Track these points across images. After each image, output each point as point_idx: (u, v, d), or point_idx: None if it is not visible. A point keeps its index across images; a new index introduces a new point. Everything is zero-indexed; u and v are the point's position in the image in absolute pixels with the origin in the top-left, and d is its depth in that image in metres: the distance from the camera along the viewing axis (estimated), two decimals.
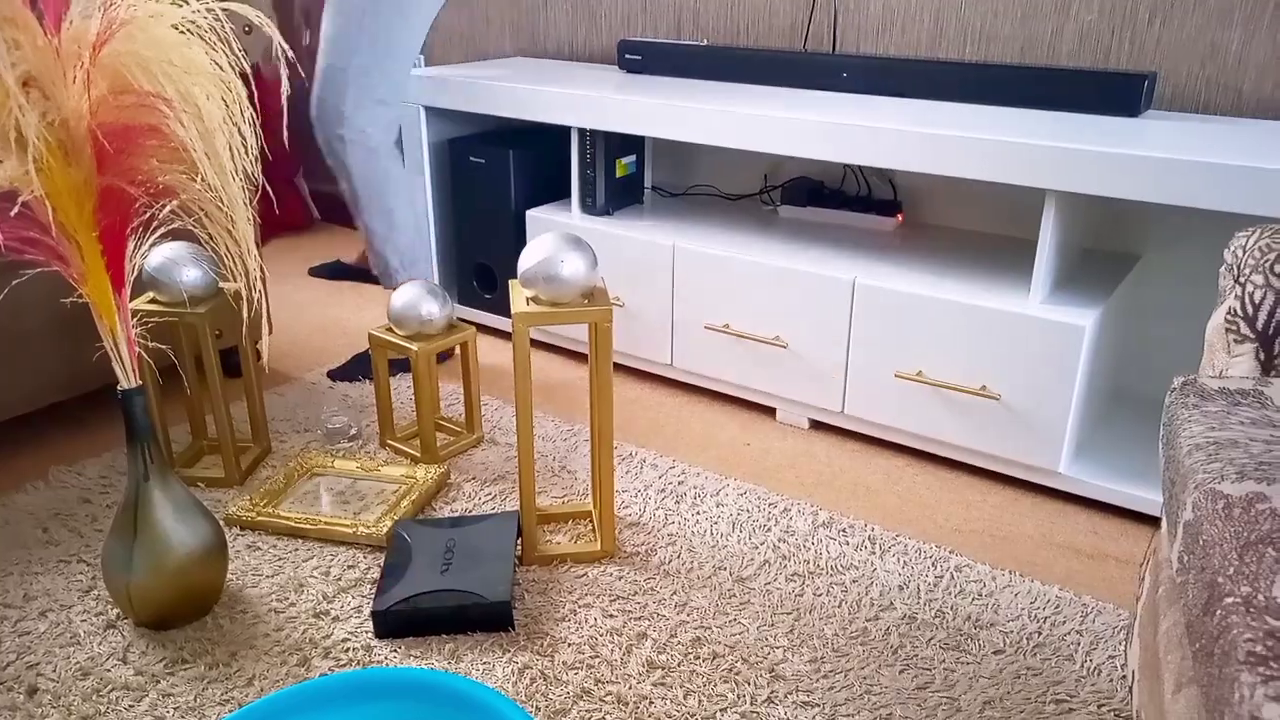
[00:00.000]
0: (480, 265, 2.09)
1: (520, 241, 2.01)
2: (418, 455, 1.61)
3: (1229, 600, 0.56)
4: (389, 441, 1.65)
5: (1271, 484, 0.64)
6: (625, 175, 1.98)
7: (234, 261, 1.07)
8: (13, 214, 1.00)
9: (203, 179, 1.02)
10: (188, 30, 1.01)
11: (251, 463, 1.58)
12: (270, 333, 2.08)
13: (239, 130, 1.03)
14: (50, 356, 1.59)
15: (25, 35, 0.92)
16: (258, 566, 1.34)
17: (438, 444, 1.62)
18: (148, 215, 1.07)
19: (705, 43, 2.02)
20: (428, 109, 2.03)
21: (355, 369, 1.88)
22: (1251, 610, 0.54)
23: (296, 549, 1.38)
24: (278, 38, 1.05)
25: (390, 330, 1.60)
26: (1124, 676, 1.13)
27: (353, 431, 1.68)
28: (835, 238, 1.82)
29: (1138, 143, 1.37)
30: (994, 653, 1.19)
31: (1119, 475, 1.49)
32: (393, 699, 0.97)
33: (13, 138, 0.91)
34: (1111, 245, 1.72)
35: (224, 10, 1.05)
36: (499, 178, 1.99)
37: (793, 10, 1.98)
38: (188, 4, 1.01)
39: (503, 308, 2.09)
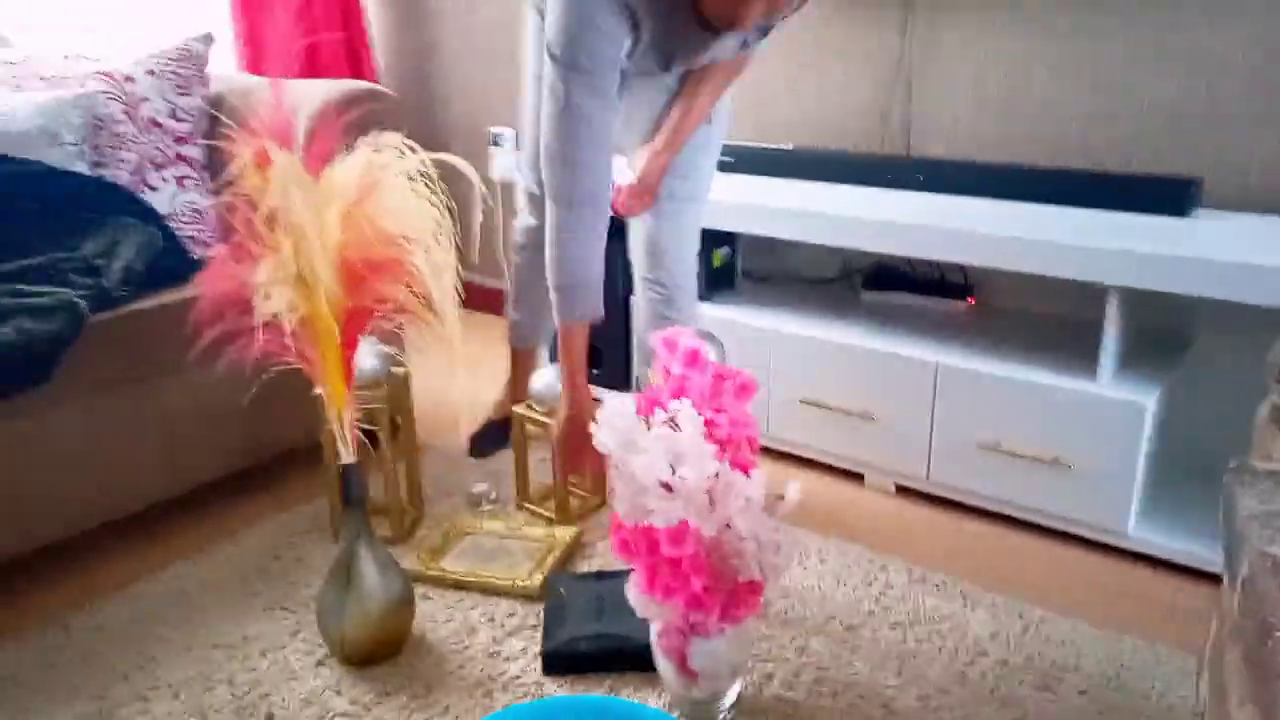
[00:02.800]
0: (591, 346, 2.32)
1: (626, 324, 2.25)
2: (552, 516, 1.83)
3: (1277, 634, 0.76)
4: (524, 504, 1.88)
5: None
6: (721, 264, 2.22)
7: (441, 353, 1.31)
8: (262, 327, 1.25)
9: (423, 296, 1.27)
10: (412, 178, 1.27)
11: (411, 524, 1.81)
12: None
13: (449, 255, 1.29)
14: (232, 433, 1.85)
15: (299, 189, 1.18)
16: (433, 614, 1.56)
17: (570, 506, 1.84)
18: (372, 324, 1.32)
19: (791, 146, 2.27)
20: None
21: (487, 442, 2.11)
22: None
23: (462, 599, 1.60)
24: (479, 184, 1.30)
25: (530, 407, 1.83)
26: (1198, 714, 1.31)
27: (493, 495, 1.91)
28: (912, 320, 2.04)
29: (1184, 243, 1.58)
30: (1079, 693, 1.37)
31: (1179, 536, 1.67)
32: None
33: (294, 274, 1.17)
34: (1171, 327, 1.91)
35: (434, 159, 1.30)
36: (607, 267, 2.23)
37: (869, 117, 2.23)
38: (415, 153, 1.26)
39: (609, 381, 2.33)
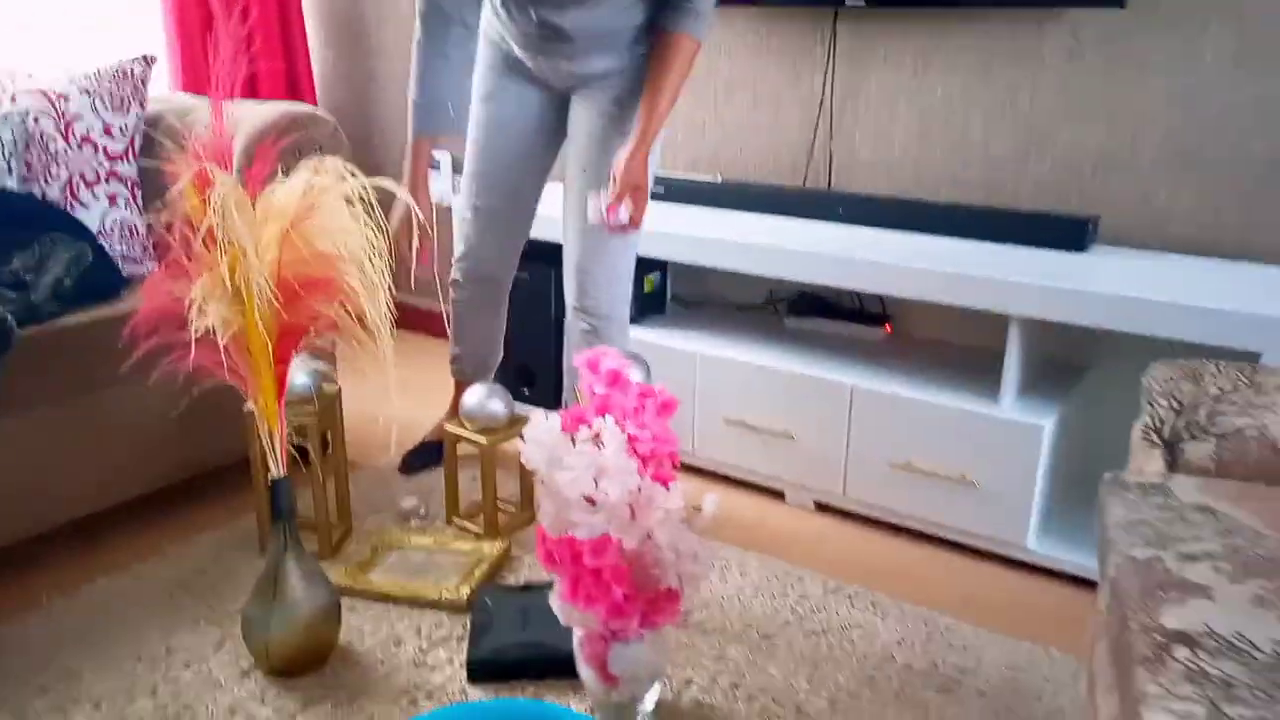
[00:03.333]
0: (521, 365, 2.38)
1: (557, 345, 2.30)
2: (480, 531, 1.87)
3: (1133, 625, 0.84)
4: (454, 519, 1.92)
5: (1165, 550, 0.93)
6: (652, 290, 2.30)
7: (373, 373, 1.35)
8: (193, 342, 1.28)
9: (355, 314, 1.31)
10: (350, 201, 1.31)
11: (339, 539, 1.83)
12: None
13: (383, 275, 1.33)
14: (162, 448, 1.86)
15: (242, 212, 1.22)
16: (360, 626, 1.59)
17: (499, 521, 1.88)
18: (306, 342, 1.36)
19: (719, 178, 2.36)
20: None
21: (418, 460, 2.14)
22: (1146, 630, 0.83)
23: (389, 611, 1.63)
24: (413, 204, 1.35)
25: (462, 424, 1.88)
26: (1083, 710, 1.40)
27: (422, 510, 1.94)
28: (833, 345, 2.13)
29: (1080, 278, 1.70)
30: (977, 694, 1.45)
31: (1074, 550, 1.77)
32: None
33: (231, 291, 1.20)
34: (1068, 355, 2.04)
35: (371, 184, 1.35)
36: (541, 290, 2.29)
37: (794, 152, 2.33)
38: (354, 177, 1.31)
39: (540, 401, 2.37)
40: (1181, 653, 0.79)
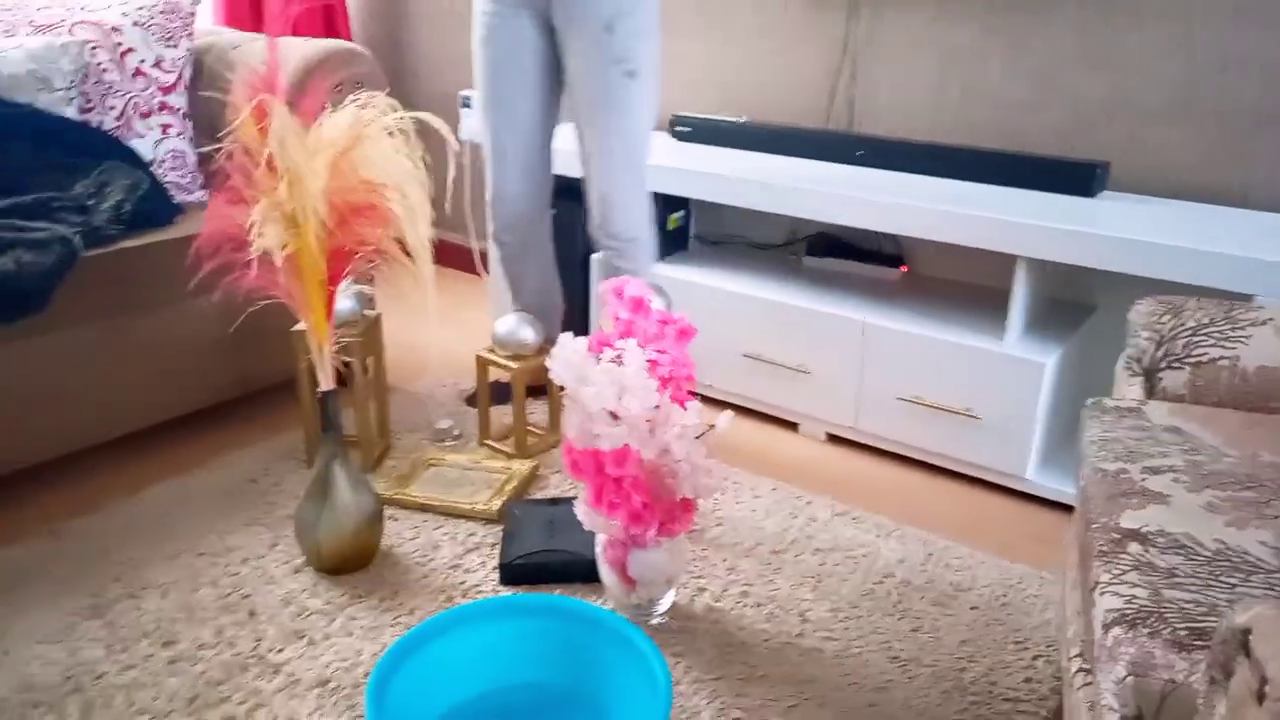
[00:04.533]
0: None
1: (585, 280, 2.40)
2: (511, 452, 2.00)
3: (1094, 525, 0.94)
4: (485, 441, 2.04)
5: (1133, 463, 1.03)
6: (675, 227, 2.38)
7: (418, 295, 1.46)
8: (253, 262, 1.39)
9: (399, 241, 1.42)
10: (392, 133, 1.41)
11: (380, 455, 1.96)
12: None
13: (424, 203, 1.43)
14: (214, 367, 1.99)
15: (293, 138, 1.32)
16: (400, 533, 1.72)
17: (528, 443, 2.00)
18: (353, 265, 1.46)
19: (744, 119, 2.43)
20: None
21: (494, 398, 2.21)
22: (1105, 530, 0.93)
23: (427, 521, 1.76)
24: (453, 140, 1.45)
25: (493, 352, 1.99)
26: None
27: (456, 432, 2.07)
28: (849, 284, 2.22)
29: (1087, 221, 1.77)
30: (970, 609, 1.57)
31: (1073, 481, 1.87)
32: (534, 617, 1.35)
33: (287, 214, 1.31)
34: (1075, 296, 2.11)
35: (413, 117, 1.44)
36: (569, 226, 2.38)
37: (817, 95, 2.39)
38: (396, 112, 1.41)
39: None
40: (1134, 548, 0.89)
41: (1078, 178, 1.97)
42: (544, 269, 2.18)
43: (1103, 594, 0.84)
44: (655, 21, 1.88)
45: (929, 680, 1.40)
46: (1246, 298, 1.61)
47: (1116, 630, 0.80)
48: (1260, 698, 0.57)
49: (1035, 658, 1.45)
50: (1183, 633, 0.78)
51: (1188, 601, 0.82)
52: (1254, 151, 1.89)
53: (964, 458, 1.94)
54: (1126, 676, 0.77)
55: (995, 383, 1.86)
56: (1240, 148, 1.90)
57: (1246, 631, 0.61)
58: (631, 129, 1.91)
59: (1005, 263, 2.16)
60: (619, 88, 1.86)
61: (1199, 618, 0.80)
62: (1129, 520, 0.93)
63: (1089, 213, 1.84)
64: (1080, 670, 0.95)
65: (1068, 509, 1.88)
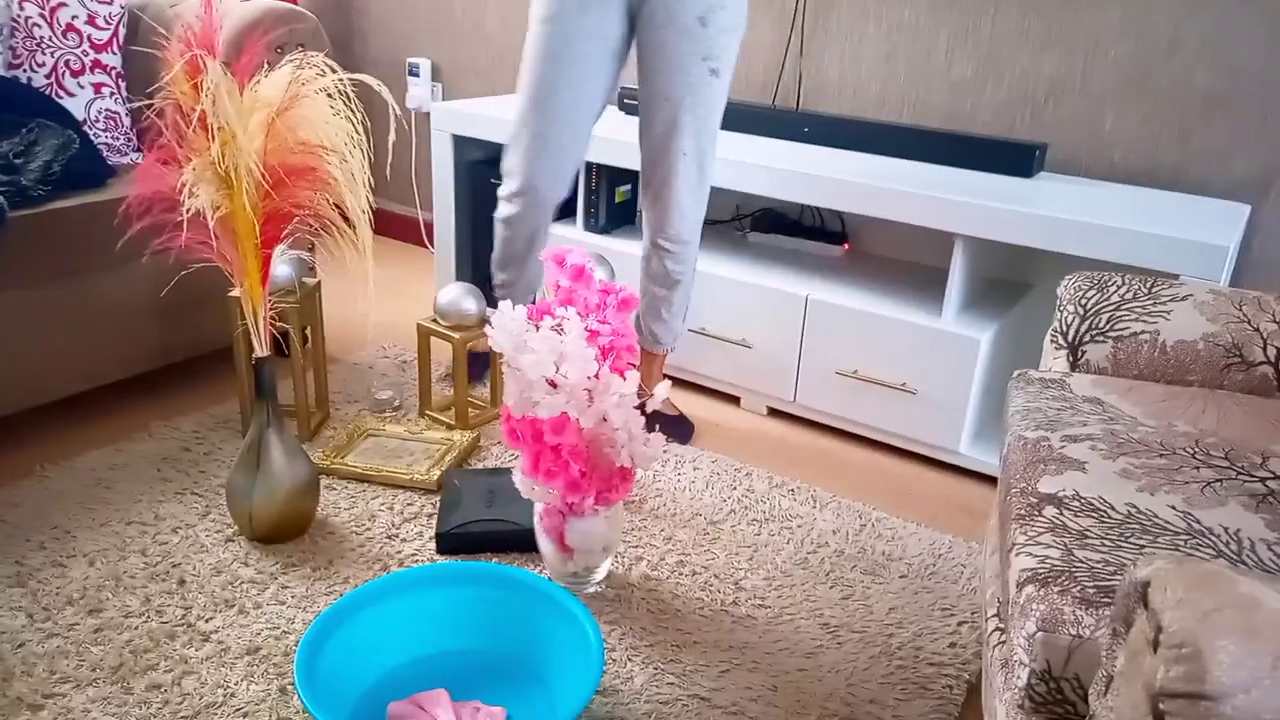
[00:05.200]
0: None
1: None
2: (451, 423, 1.99)
3: (1013, 490, 0.97)
4: (427, 412, 2.03)
5: (1052, 432, 1.06)
6: (622, 201, 2.38)
7: (358, 264, 1.44)
8: (184, 223, 1.36)
9: (335, 204, 1.40)
10: (332, 95, 1.39)
11: (317, 424, 1.94)
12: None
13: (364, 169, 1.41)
14: (148, 333, 1.94)
15: (227, 96, 1.29)
16: (336, 502, 1.71)
17: (469, 414, 2.00)
18: (290, 230, 1.44)
19: None
20: (455, 137, 2.41)
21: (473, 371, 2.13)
22: (1023, 495, 0.95)
23: (365, 491, 1.75)
24: (391, 101, 1.43)
25: (435, 322, 1.97)
26: None
27: (396, 402, 2.05)
28: (792, 260, 2.24)
29: (1023, 201, 1.80)
30: (900, 577, 1.60)
31: None
32: (468, 584, 1.35)
33: (221, 173, 1.28)
34: (1013, 276, 2.15)
35: (352, 79, 1.42)
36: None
37: (766, 72, 2.40)
38: (334, 73, 1.38)
39: None
40: (1049, 511, 0.92)
41: (1017, 159, 2.01)
42: (545, 244, 2.00)
43: (1018, 555, 0.86)
44: (746, 19, 1.79)
45: (858, 646, 1.43)
46: (1173, 276, 1.66)
47: (1029, 589, 0.83)
48: (1155, 645, 0.59)
49: (960, 624, 1.49)
50: (1091, 590, 0.81)
51: (1098, 561, 0.84)
52: (1196, 135, 1.94)
53: (900, 431, 1.98)
54: (1036, 632, 0.80)
55: (932, 358, 1.90)
56: (1183, 131, 1.95)
57: (1146, 584, 0.63)
58: (711, 130, 1.82)
59: (944, 241, 2.20)
60: (704, 85, 1.75)
61: (1107, 576, 0.82)
62: (1046, 485, 0.96)
63: (1026, 193, 1.87)
64: (996, 629, 0.98)
65: (996, 481, 1.92)
